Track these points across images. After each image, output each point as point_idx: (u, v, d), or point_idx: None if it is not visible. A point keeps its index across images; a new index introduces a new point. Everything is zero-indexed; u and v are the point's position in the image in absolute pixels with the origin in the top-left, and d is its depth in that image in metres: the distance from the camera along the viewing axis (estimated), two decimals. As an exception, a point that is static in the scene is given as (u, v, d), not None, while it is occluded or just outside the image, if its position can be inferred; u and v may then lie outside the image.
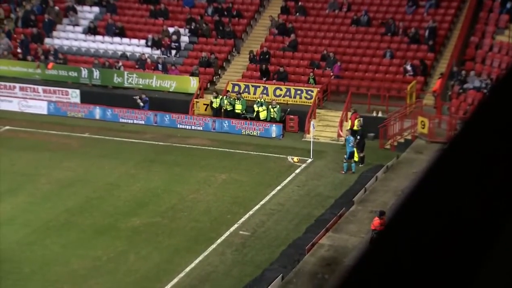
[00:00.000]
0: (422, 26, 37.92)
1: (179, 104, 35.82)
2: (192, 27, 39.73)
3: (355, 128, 31.93)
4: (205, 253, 22.69)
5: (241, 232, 24.26)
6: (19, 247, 22.79)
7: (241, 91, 35.65)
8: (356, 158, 29.83)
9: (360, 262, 1.48)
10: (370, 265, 1.48)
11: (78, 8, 41.78)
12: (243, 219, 25.18)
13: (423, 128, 32.07)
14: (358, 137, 30.33)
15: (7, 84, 37.76)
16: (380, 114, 33.61)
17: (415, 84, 34.89)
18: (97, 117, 36.00)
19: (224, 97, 35.24)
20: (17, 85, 37.71)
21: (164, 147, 32.43)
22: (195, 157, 31.17)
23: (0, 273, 21.13)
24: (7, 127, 34.51)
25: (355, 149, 29.44)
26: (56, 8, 41.49)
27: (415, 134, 32.40)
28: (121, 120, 35.73)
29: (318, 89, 35.07)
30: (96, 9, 41.94)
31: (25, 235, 23.57)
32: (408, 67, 35.83)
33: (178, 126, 34.98)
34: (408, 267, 1.46)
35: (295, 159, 30.46)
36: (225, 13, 40.32)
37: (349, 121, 32.71)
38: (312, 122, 32.39)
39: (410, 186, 1.55)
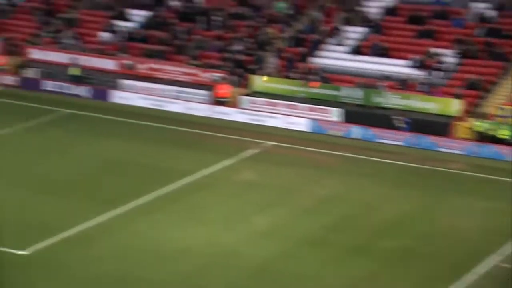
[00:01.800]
0: None
1: (439, 126, 35.15)
2: (460, 48, 38.83)
3: None
4: (460, 285, 21.93)
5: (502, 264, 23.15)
6: (274, 260, 23.55)
7: (507, 116, 34.17)
8: None
9: None
10: None
11: (345, 28, 42.56)
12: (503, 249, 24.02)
13: None
14: None
15: (274, 101, 39.40)
16: None
17: None
18: (356, 136, 36.39)
19: (489, 121, 33.99)
20: (282, 102, 39.23)
21: (421, 170, 31.96)
22: (453, 182, 30.34)
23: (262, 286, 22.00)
24: (273, 143, 35.98)
25: None
26: (325, 28, 42.63)
27: None
28: (378, 140, 35.81)
29: None
30: (361, 29, 42.47)
31: (282, 249, 24.30)
32: None
33: (438, 149, 34.32)
34: None
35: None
36: (496, 34, 38.87)
37: None
38: None
39: None
